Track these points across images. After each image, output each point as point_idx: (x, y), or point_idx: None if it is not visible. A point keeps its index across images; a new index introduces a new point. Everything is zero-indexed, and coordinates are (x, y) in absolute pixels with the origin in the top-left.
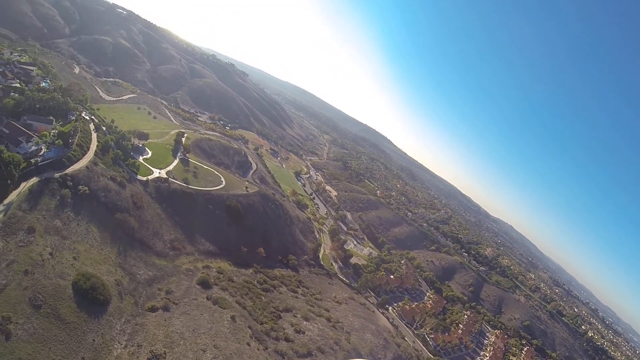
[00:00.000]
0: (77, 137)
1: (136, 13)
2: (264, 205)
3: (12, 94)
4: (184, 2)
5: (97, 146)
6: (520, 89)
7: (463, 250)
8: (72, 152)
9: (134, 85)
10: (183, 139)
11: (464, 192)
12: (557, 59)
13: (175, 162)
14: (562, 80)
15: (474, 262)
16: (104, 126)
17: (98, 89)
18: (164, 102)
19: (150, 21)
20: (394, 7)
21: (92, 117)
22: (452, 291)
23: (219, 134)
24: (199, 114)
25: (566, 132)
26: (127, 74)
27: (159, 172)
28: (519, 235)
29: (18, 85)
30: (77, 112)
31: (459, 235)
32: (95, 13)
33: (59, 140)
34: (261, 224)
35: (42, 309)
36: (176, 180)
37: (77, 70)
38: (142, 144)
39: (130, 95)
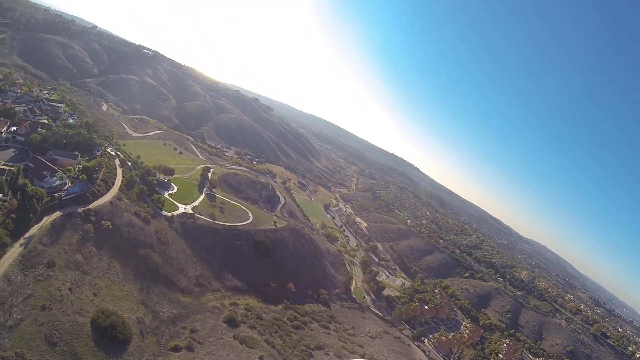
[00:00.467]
0: (101, 172)
1: (161, 53)
2: (293, 240)
3: (39, 129)
4: (207, 41)
5: (121, 181)
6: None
7: (497, 275)
8: (96, 187)
9: (160, 121)
10: (209, 174)
11: (493, 215)
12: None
13: (202, 197)
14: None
15: (510, 287)
16: (129, 161)
17: (125, 126)
18: (190, 138)
19: (175, 60)
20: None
21: (118, 152)
22: (489, 319)
23: (245, 169)
24: (225, 149)
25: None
26: (154, 111)
27: (185, 208)
28: (553, 254)
29: (46, 121)
30: (103, 148)
31: (493, 260)
32: (122, 54)
33: (83, 175)
34: (290, 258)
35: (58, 346)
36: (202, 215)
37: (104, 107)
38: (168, 180)
39: (157, 132)
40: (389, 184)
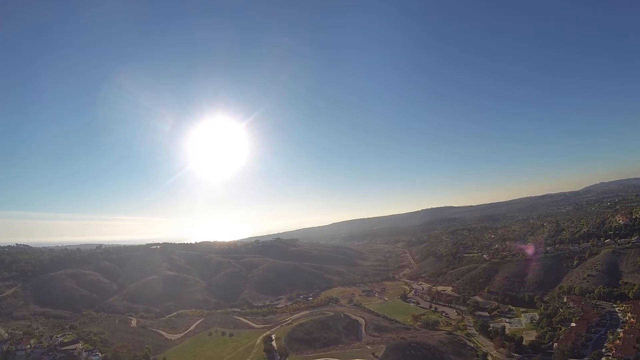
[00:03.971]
0: None
1: (170, 242)
2: (404, 359)
3: None
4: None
5: None
6: None
7: (603, 238)
8: None
9: (198, 308)
10: (273, 343)
11: (539, 194)
12: None
13: None
14: None
15: (620, 241)
16: None
17: (161, 332)
18: (237, 309)
19: (186, 242)
20: None
21: None
22: (634, 285)
23: (307, 312)
24: (275, 302)
25: None
26: (187, 300)
27: None
28: (614, 183)
29: None
30: None
31: (583, 231)
32: (134, 260)
33: None
34: None
35: None
36: None
37: (134, 322)
38: None
39: (198, 322)
40: (439, 237)
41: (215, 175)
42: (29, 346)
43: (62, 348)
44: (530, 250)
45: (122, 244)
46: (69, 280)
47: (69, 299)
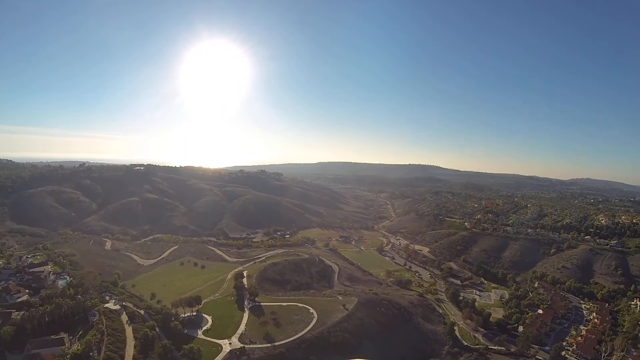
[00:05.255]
0: (103, 346)
1: (154, 164)
2: (374, 315)
3: (14, 314)
4: (191, 135)
5: (134, 346)
6: None
7: (582, 234)
8: None
9: (175, 233)
10: (244, 280)
11: (526, 174)
12: None
13: (246, 315)
14: None
15: (600, 240)
16: (141, 309)
17: (134, 256)
18: (212, 239)
19: (170, 165)
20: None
21: (124, 303)
22: (604, 287)
23: (282, 250)
24: (252, 235)
25: None
26: (165, 225)
27: (230, 343)
28: (600, 182)
29: (26, 297)
30: (99, 308)
31: (565, 221)
32: (115, 180)
33: None
34: (382, 340)
35: None
36: (255, 343)
37: (108, 244)
38: (196, 312)
39: (172, 249)
40: (423, 195)
41: (208, 98)
42: None
43: (31, 270)
44: (511, 228)
45: (107, 163)
46: (48, 197)
47: (46, 216)
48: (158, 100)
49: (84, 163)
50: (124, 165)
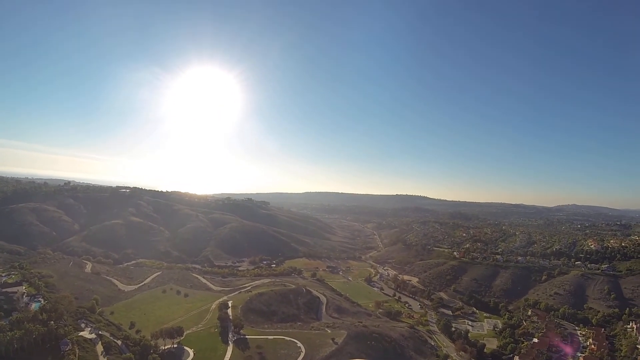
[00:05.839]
0: None
1: (140, 187)
2: (364, 350)
3: None
4: (180, 160)
5: None
6: None
7: (573, 259)
8: None
9: (159, 259)
10: (229, 311)
11: (512, 203)
12: None
13: (230, 349)
14: None
15: (591, 265)
16: (118, 339)
17: (115, 281)
18: (197, 266)
19: (156, 189)
20: None
21: (100, 332)
22: (599, 311)
23: (268, 280)
24: (237, 264)
25: None
26: (148, 249)
27: None
28: (586, 207)
29: None
30: (72, 337)
31: (554, 247)
32: (100, 201)
33: None
34: None
35: None
36: None
37: (88, 267)
38: (177, 344)
39: (155, 275)
40: (410, 225)
41: (196, 124)
42: None
43: (4, 290)
44: (500, 256)
45: (92, 183)
46: (30, 215)
47: (26, 234)
48: (146, 123)
49: (69, 182)
50: (109, 186)
